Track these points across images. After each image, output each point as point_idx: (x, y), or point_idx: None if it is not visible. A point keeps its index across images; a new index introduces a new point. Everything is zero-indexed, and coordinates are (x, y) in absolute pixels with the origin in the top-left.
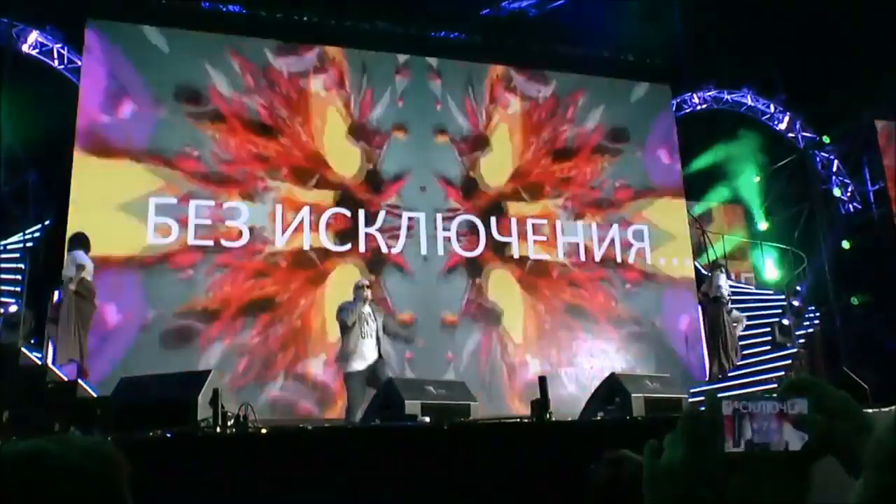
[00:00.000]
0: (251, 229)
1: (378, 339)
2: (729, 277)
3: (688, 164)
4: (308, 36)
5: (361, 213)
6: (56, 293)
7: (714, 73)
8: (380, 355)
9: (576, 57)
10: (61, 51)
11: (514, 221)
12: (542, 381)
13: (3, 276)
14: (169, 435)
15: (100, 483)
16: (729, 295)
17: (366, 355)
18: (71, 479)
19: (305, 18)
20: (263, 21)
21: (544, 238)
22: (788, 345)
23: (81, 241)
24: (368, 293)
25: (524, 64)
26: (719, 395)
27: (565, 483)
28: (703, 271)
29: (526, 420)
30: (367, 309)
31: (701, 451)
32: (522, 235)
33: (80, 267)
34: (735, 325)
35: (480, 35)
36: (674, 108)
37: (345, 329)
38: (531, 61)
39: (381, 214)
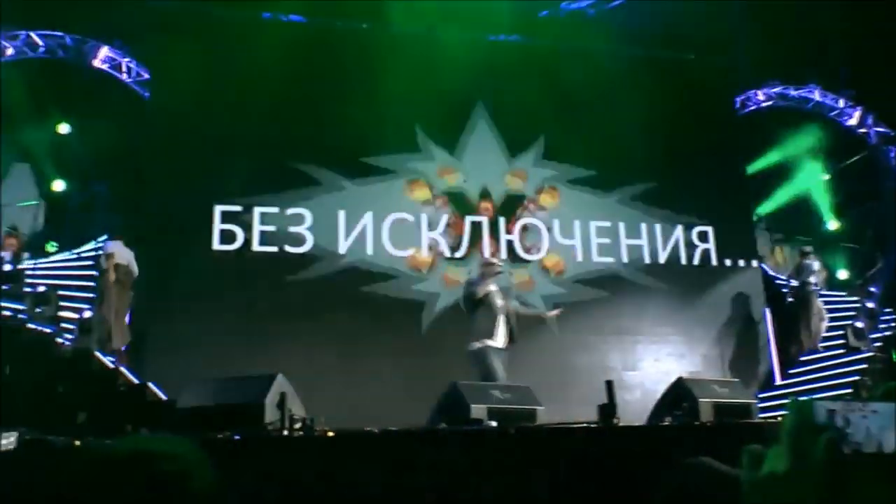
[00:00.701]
0: (315, 236)
1: (509, 321)
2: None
3: (752, 163)
4: (365, 44)
5: (424, 217)
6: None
7: (778, 68)
8: (511, 340)
9: (635, 57)
10: (129, 64)
11: (577, 224)
12: (609, 385)
13: (77, 283)
14: (237, 437)
15: (207, 481)
16: (818, 284)
17: (498, 335)
18: (184, 476)
19: (365, 26)
20: (322, 29)
21: (608, 241)
22: (863, 348)
23: (115, 232)
24: (498, 269)
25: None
26: (792, 398)
27: (633, 489)
28: (770, 272)
29: (593, 425)
30: (493, 287)
31: (806, 462)
32: (585, 238)
33: (109, 255)
34: (821, 321)
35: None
36: (737, 106)
37: (472, 305)
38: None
39: (444, 218)
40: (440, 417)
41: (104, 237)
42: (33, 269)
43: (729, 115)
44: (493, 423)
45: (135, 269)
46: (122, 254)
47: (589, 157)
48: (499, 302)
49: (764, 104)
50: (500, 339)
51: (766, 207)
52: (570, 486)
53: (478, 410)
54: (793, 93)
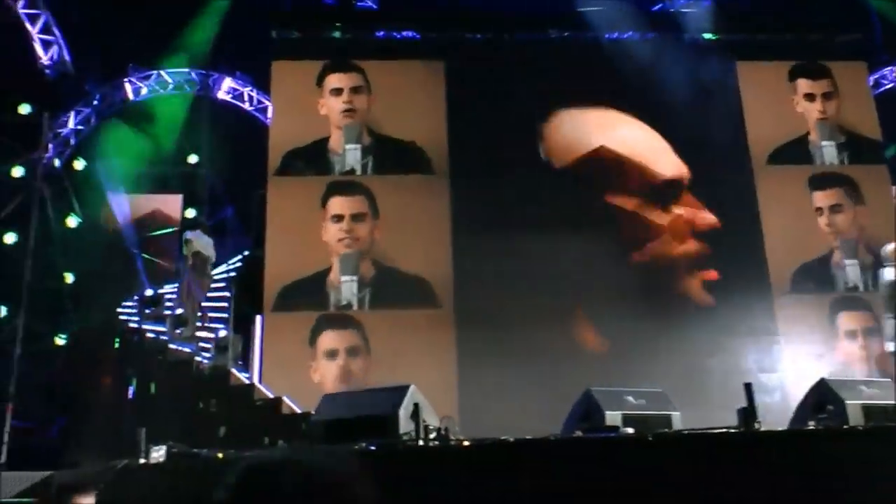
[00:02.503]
0: None
1: None
2: None
3: (892, 144)
4: (481, 54)
5: None
6: (258, 318)
7: None
8: None
9: (760, 43)
10: (251, 93)
11: None
12: (748, 388)
13: (212, 304)
14: (373, 448)
15: (348, 490)
16: None
17: None
18: (328, 486)
19: (479, 36)
20: (439, 44)
21: None
22: None
23: (192, 223)
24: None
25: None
26: None
27: (780, 496)
28: None
29: (733, 430)
30: None
31: None
32: None
33: (187, 241)
34: None
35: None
36: (871, 85)
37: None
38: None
39: None
40: (575, 425)
41: (236, 258)
42: (172, 292)
43: (863, 96)
44: (630, 430)
45: (212, 254)
46: (201, 242)
47: None
48: None
49: None
50: None
51: None
52: (714, 493)
53: (612, 417)
54: None
